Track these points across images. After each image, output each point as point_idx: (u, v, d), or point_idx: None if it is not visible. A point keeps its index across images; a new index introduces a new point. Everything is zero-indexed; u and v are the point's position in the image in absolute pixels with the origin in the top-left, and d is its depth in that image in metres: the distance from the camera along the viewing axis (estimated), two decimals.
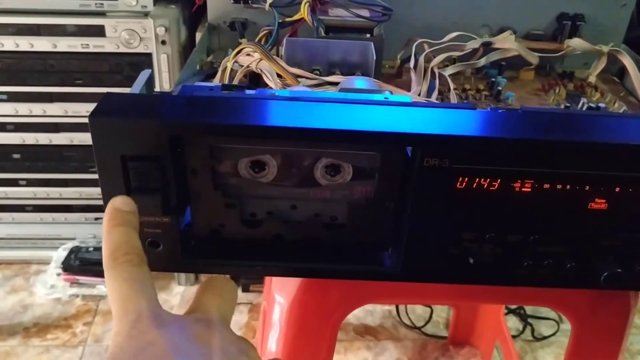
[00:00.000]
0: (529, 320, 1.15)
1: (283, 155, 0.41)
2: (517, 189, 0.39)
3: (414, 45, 0.67)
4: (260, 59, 0.55)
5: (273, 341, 0.54)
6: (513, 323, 1.16)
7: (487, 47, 0.69)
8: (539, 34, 0.75)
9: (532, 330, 1.14)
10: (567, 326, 1.15)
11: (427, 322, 1.13)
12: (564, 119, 0.41)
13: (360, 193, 0.43)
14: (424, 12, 0.73)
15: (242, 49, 0.56)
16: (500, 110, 0.42)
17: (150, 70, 0.46)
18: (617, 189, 0.40)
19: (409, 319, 1.14)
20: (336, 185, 0.42)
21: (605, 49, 0.69)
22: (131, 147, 0.38)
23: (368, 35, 0.66)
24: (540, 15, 0.74)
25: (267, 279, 0.56)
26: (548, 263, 0.43)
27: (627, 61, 0.69)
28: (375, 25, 0.66)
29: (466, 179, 0.39)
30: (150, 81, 0.45)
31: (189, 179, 0.41)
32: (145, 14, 0.97)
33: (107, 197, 0.39)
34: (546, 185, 0.39)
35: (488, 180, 0.39)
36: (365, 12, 0.67)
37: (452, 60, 0.68)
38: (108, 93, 0.40)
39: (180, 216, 0.43)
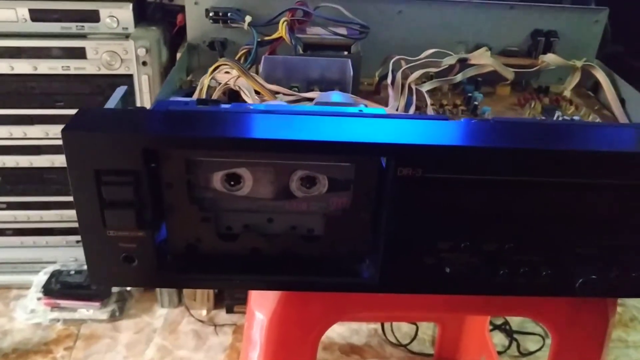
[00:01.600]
0: (515, 335, 1.15)
1: (258, 168, 0.41)
2: (491, 197, 0.40)
3: (391, 62, 0.68)
4: (238, 76, 0.55)
5: (254, 359, 0.54)
6: (499, 339, 1.15)
7: (464, 63, 0.70)
8: (514, 51, 0.76)
9: (518, 346, 1.14)
10: None
11: (412, 340, 1.13)
12: (537, 128, 0.42)
13: (336, 205, 0.43)
14: (401, 31, 0.74)
15: (219, 66, 0.56)
16: (473, 121, 0.42)
17: (125, 87, 0.46)
18: (591, 197, 0.40)
19: (395, 337, 1.14)
20: (312, 198, 0.43)
21: (579, 63, 0.71)
22: (105, 161, 0.38)
23: (346, 53, 0.67)
24: (515, 32, 0.76)
25: (249, 297, 0.55)
26: (524, 271, 0.43)
27: (600, 76, 0.70)
28: (353, 42, 0.67)
29: (440, 188, 0.39)
30: (125, 97, 0.45)
31: (164, 193, 0.41)
32: (126, 36, 0.97)
33: (80, 212, 0.39)
34: (519, 194, 0.40)
35: (462, 189, 0.39)
36: (342, 30, 0.68)
37: (429, 77, 0.69)
38: (82, 108, 0.40)
39: (156, 231, 0.42)
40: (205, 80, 0.55)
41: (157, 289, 1.17)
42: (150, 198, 0.40)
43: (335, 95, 0.51)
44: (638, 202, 0.41)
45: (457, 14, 0.74)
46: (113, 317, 1.14)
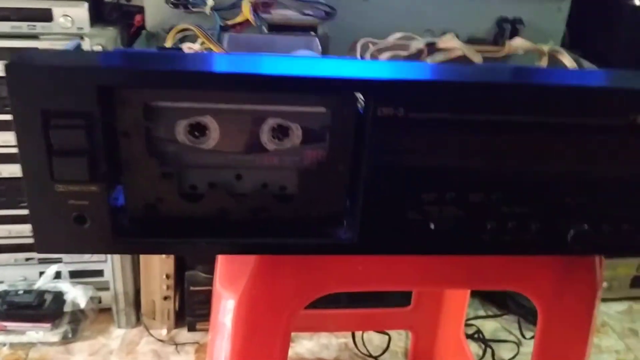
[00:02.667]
0: (489, 343, 1.12)
1: (225, 117, 0.38)
2: (477, 140, 0.37)
3: (359, 45, 0.66)
4: (203, 43, 0.52)
5: (221, 346, 0.49)
6: (473, 348, 1.12)
7: (431, 47, 0.69)
8: (480, 38, 0.76)
9: (493, 354, 1.11)
10: (527, 349, 1.13)
11: (384, 352, 1.08)
12: (521, 70, 0.40)
13: (311, 158, 0.40)
14: (368, 17, 0.73)
15: (182, 30, 0.53)
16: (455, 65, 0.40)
17: (79, 41, 0.42)
18: (579, 141, 0.38)
19: (367, 349, 1.09)
20: (285, 151, 0.39)
21: (546, 48, 0.70)
22: (54, 100, 0.34)
23: (313, 34, 0.65)
24: (481, 20, 0.75)
25: (215, 277, 0.51)
26: (512, 225, 0.40)
27: (566, 60, 0.70)
28: (319, 23, 0.65)
29: (423, 130, 0.37)
30: (78, 49, 0.42)
31: (120, 143, 0.37)
32: (81, 37, 0.93)
33: (25, 162, 0.35)
34: (506, 136, 0.37)
35: (446, 131, 0.37)
36: (309, 11, 0.66)
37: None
38: (31, 48, 0.36)
39: (111, 189, 0.38)
40: (168, 42, 0.52)
41: (113, 307, 1.10)
42: (105, 147, 0.36)
43: (304, 53, 0.49)
44: (627, 147, 0.39)
45: (423, 2, 0.74)
46: (65, 339, 1.06)
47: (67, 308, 1.07)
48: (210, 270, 1.07)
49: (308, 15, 0.64)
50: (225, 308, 0.48)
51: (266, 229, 0.40)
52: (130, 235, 0.39)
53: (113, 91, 0.35)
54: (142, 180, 0.38)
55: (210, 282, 1.06)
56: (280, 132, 0.39)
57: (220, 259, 0.51)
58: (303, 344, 1.12)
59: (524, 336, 1.16)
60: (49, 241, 0.38)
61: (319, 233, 0.41)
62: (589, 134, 0.38)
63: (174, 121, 0.37)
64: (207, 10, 0.67)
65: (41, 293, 1.07)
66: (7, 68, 0.33)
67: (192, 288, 1.07)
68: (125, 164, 0.38)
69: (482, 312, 1.24)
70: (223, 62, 0.36)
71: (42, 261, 1.10)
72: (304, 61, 0.37)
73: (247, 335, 0.47)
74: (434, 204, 0.39)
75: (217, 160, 0.39)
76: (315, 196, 0.40)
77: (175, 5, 0.69)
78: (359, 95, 0.37)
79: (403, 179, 0.38)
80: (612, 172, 0.40)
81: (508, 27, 0.73)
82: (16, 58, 0.33)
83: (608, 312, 1.28)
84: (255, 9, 0.65)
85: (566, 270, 0.49)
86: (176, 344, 1.09)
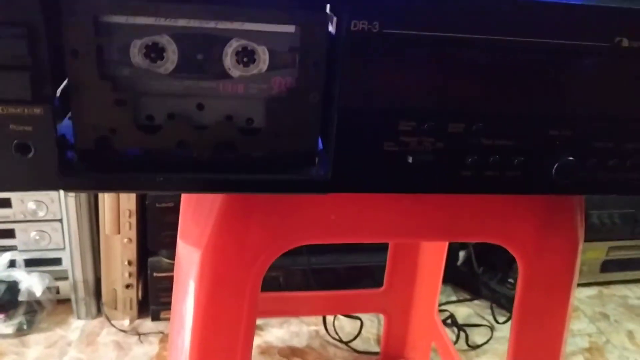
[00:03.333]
0: (463, 328, 1.10)
1: (184, 35, 0.34)
2: (456, 62, 0.35)
3: None
4: None
5: (184, 307, 0.45)
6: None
7: None
8: None
9: (467, 339, 1.09)
10: (500, 333, 1.11)
11: (355, 337, 1.05)
12: None
13: (279, 86, 0.36)
14: None
15: None
16: None
17: None
18: (564, 66, 0.36)
19: (338, 335, 1.06)
20: (251, 77, 0.36)
21: None
22: None
23: None
24: None
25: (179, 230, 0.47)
26: (494, 160, 0.38)
27: None
28: None
29: (400, 49, 0.34)
30: None
31: (68, 64, 0.33)
32: None
33: None
34: (487, 58, 0.35)
35: (425, 51, 0.34)
36: None
37: None
38: None
39: (59, 118, 0.35)
40: None
41: (72, 297, 1.05)
42: (50, 65, 0.32)
43: None
44: (613, 74, 0.37)
45: None
46: (20, 332, 1.00)
47: (21, 298, 1.01)
48: (174, 257, 1.03)
49: None
50: (188, 263, 0.44)
51: (231, 165, 0.37)
52: (80, 169, 0.35)
53: (59, 1, 0.31)
54: (92, 108, 0.35)
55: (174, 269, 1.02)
56: (246, 56, 0.35)
57: (182, 210, 0.48)
58: (272, 332, 1.08)
59: (497, 321, 1.15)
60: None
61: (289, 169, 0.38)
62: (573, 58, 0.36)
63: (128, 40, 0.34)
64: None
65: None
66: None
67: (155, 274, 1.02)
68: (73, 88, 0.34)
69: (454, 298, 1.22)
70: None
71: None
72: None
73: (212, 292, 0.43)
74: (412, 135, 0.36)
75: (176, 87, 0.36)
76: (285, 129, 0.37)
77: None
78: (332, 15, 0.35)
79: (378, 105, 0.35)
80: (598, 103, 0.38)
81: None
82: None
83: (579, 296, 1.28)
84: None
85: (547, 220, 0.47)
86: (139, 334, 1.04)
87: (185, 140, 0.36)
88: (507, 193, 0.40)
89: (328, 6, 0.34)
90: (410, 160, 0.37)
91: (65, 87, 0.35)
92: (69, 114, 0.35)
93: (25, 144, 0.33)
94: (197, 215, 0.44)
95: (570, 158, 0.38)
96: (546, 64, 0.36)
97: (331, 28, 0.35)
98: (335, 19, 0.34)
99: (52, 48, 0.32)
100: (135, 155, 0.36)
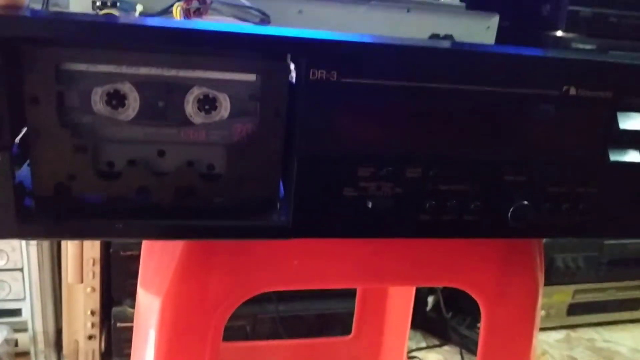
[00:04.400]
0: None
1: (146, 83, 0.35)
2: (413, 109, 0.36)
3: None
4: None
5: (144, 358, 0.44)
6: None
7: None
8: None
9: None
10: None
11: None
12: (461, 44, 0.39)
13: (240, 132, 0.37)
14: (301, 28, 0.72)
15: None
16: None
17: None
18: (516, 113, 0.38)
19: None
20: (212, 125, 0.37)
21: None
22: None
23: None
24: (413, 36, 0.76)
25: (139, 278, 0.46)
26: (451, 205, 0.39)
27: None
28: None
29: (357, 96, 0.35)
30: None
31: (27, 111, 0.33)
32: None
33: None
34: (442, 106, 0.36)
35: (380, 97, 0.35)
36: (242, 17, 0.65)
37: None
38: None
39: (17, 164, 0.34)
40: None
41: (32, 350, 1.01)
42: (9, 112, 0.32)
43: None
44: (563, 121, 0.39)
45: (356, 16, 0.74)
46: None
47: None
48: None
49: (241, 20, 0.63)
50: (149, 311, 0.43)
51: (192, 211, 0.37)
52: (38, 217, 0.35)
53: (20, 47, 0.32)
54: (52, 154, 0.34)
55: None
56: (207, 104, 0.36)
57: (143, 257, 0.47)
58: None
59: None
60: None
61: (250, 215, 0.38)
62: (525, 105, 0.38)
63: (89, 88, 0.34)
64: (136, 15, 0.64)
65: None
66: None
67: (119, 324, 1.00)
68: (33, 135, 0.34)
69: (424, 344, 1.22)
70: (146, 22, 0.34)
71: None
72: (232, 27, 0.35)
73: (173, 340, 0.43)
74: (371, 180, 0.37)
75: (137, 134, 0.36)
76: (246, 175, 0.37)
77: (102, 9, 0.66)
78: (291, 64, 0.36)
79: (337, 150, 0.36)
80: (550, 149, 0.39)
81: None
82: None
83: (547, 340, 1.29)
84: (186, 14, 0.63)
85: (507, 264, 0.48)
86: None
87: (145, 186, 0.36)
88: (465, 237, 0.40)
89: (289, 56, 0.35)
90: (369, 205, 0.38)
91: (24, 133, 0.35)
92: (28, 161, 0.35)
93: None
94: (157, 262, 0.44)
95: (525, 202, 0.39)
96: (500, 111, 0.37)
97: (291, 77, 0.36)
98: (294, 67, 0.35)
99: (12, 95, 0.32)
100: (94, 202, 0.36)
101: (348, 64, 0.34)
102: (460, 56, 0.35)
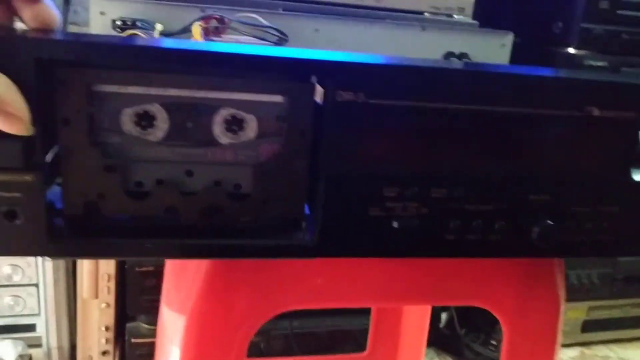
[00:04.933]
0: None
1: (174, 104, 0.35)
2: (438, 128, 0.36)
3: None
4: None
5: None
6: None
7: None
8: None
9: None
10: None
11: None
12: (487, 65, 0.40)
13: (267, 153, 0.37)
14: (318, 47, 0.73)
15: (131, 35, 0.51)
16: None
17: None
18: (540, 134, 0.38)
19: None
20: (239, 145, 0.37)
21: None
22: None
23: None
24: (429, 54, 0.77)
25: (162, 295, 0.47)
26: (476, 224, 0.39)
27: None
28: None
29: (383, 117, 0.35)
30: None
31: (59, 131, 0.34)
32: None
33: None
34: (467, 125, 0.37)
35: (407, 117, 0.36)
36: (260, 37, 0.66)
37: None
38: None
39: (49, 183, 0.35)
40: None
41: None
42: (43, 133, 0.33)
43: None
44: (585, 141, 0.39)
45: (372, 34, 0.75)
46: None
47: None
48: (154, 322, 1.00)
49: (259, 40, 0.64)
50: (173, 329, 0.44)
51: (218, 230, 0.37)
52: (68, 235, 0.35)
53: (53, 70, 0.32)
54: (82, 174, 0.35)
55: (153, 334, 0.99)
56: (235, 124, 0.37)
57: (166, 275, 0.48)
58: None
59: None
60: None
61: (276, 234, 0.38)
62: (549, 126, 0.38)
63: (119, 109, 0.35)
64: (156, 35, 0.65)
65: None
66: None
67: (134, 340, 1.00)
68: (64, 154, 0.34)
69: None
70: (175, 43, 0.34)
71: None
72: (258, 49, 0.36)
73: (198, 357, 0.43)
74: (397, 200, 0.37)
75: (165, 154, 0.36)
76: (272, 195, 0.38)
77: (123, 30, 0.67)
78: (318, 86, 0.36)
79: (363, 171, 0.36)
80: (574, 169, 0.39)
81: (455, 62, 0.75)
82: None
83: (562, 357, 1.28)
84: (206, 33, 0.64)
85: (528, 282, 0.48)
86: None
87: (173, 206, 0.37)
88: (490, 256, 0.40)
89: (314, 77, 0.36)
90: (395, 225, 0.38)
91: (55, 153, 0.35)
92: (58, 180, 0.36)
93: (13, 211, 0.33)
94: (181, 280, 0.44)
95: (550, 222, 0.39)
96: (524, 132, 0.38)
97: (317, 97, 0.37)
98: (321, 89, 0.36)
99: (46, 117, 0.33)
100: (122, 221, 0.36)
101: (375, 86, 0.34)
102: (486, 78, 0.36)
